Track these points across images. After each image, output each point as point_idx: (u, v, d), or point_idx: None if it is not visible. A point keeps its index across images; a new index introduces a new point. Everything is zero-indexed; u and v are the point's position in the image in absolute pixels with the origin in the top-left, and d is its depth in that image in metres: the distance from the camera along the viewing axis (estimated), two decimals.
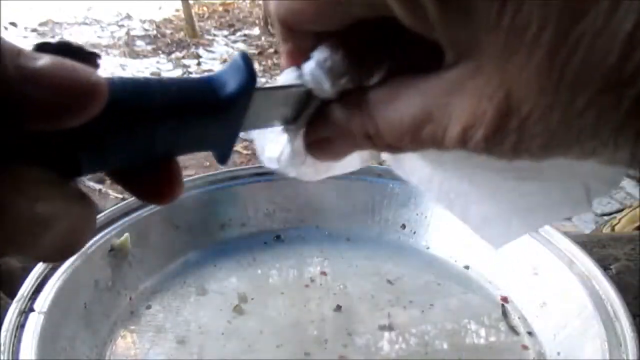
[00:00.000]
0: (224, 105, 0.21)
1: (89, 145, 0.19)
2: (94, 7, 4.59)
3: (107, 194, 1.91)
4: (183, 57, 3.83)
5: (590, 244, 0.60)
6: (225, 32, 4.38)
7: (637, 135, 0.17)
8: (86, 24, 4.41)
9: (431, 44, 0.20)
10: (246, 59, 0.22)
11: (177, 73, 3.58)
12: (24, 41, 3.95)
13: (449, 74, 0.20)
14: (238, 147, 2.73)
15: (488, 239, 0.26)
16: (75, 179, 0.20)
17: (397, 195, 0.57)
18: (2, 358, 0.36)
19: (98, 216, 0.49)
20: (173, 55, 3.86)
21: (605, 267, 0.52)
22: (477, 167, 0.22)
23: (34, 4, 4.39)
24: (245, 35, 4.34)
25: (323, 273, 0.52)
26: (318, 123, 0.24)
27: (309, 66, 0.23)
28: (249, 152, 2.69)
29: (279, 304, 0.48)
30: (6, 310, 0.39)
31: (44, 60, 0.17)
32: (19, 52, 0.17)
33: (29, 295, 0.40)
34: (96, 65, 0.21)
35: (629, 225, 1.19)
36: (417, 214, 0.56)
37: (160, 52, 3.93)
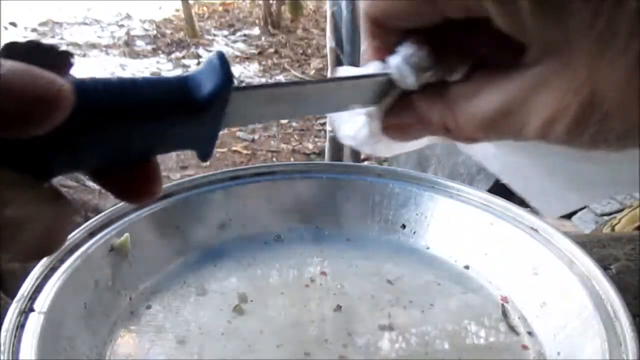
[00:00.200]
0: (200, 107, 0.21)
1: (60, 147, 0.19)
2: (94, 7, 4.59)
3: (107, 194, 1.91)
4: (183, 57, 3.83)
5: (590, 244, 0.60)
6: (225, 32, 4.38)
7: None
8: (86, 24, 4.41)
9: (511, 42, 0.21)
10: (222, 59, 0.21)
11: (177, 73, 3.57)
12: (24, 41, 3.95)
13: (533, 70, 0.21)
14: (238, 147, 2.73)
15: (545, 210, 0.28)
16: (49, 180, 0.19)
17: (397, 195, 0.57)
18: (2, 358, 0.36)
19: (98, 216, 0.49)
20: (173, 55, 3.86)
21: (605, 267, 0.52)
22: (538, 148, 0.23)
23: (34, 4, 4.39)
24: (245, 35, 4.34)
25: (323, 273, 0.52)
26: (398, 109, 0.26)
27: (395, 60, 0.25)
28: (249, 152, 2.69)
29: (279, 304, 0.48)
30: (6, 310, 0.39)
31: (5, 68, 0.16)
32: None
33: (29, 295, 0.40)
34: (68, 64, 0.21)
35: (629, 225, 1.19)
36: (417, 214, 0.56)
37: (160, 52, 3.93)
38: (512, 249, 0.51)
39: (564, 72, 0.20)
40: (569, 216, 1.59)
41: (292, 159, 2.61)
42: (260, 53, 3.99)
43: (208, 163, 2.57)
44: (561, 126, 0.21)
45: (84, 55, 3.79)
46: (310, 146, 2.77)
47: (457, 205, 0.54)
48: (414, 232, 0.56)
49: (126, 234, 0.48)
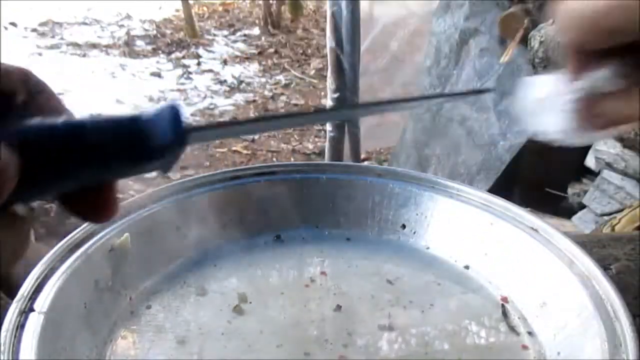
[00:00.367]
0: (152, 156, 0.22)
1: (15, 189, 0.20)
2: (94, 7, 4.58)
3: None
4: (183, 57, 3.83)
5: (590, 244, 0.60)
6: (225, 32, 4.38)
7: None
8: (86, 24, 4.41)
9: None
10: (177, 116, 0.22)
11: (177, 73, 3.57)
12: (24, 41, 3.95)
13: None
14: (238, 147, 2.73)
15: None
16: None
17: (397, 195, 0.57)
18: (2, 358, 0.36)
19: None
20: (173, 55, 3.86)
21: (605, 267, 0.52)
22: None
23: (34, 4, 4.39)
24: (245, 35, 4.34)
25: (323, 273, 0.52)
26: (598, 104, 0.30)
27: (595, 74, 0.30)
28: (249, 152, 2.69)
29: (279, 304, 0.48)
30: (6, 310, 0.39)
31: None
32: None
33: (29, 295, 0.40)
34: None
35: (629, 225, 1.19)
36: (417, 214, 0.56)
37: (160, 52, 3.93)
38: (512, 249, 0.51)
39: None
40: (569, 216, 1.59)
41: (292, 159, 2.61)
42: (260, 53, 3.99)
43: (208, 163, 2.57)
44: None
45: (84, 55, 3.79)
46: (310, 146, 2.77)
47: (457, 205, 0.54)
48: (414, 232, 0.56)
49: (126, 234, 0.48)
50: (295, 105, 3.23)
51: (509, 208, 0.52)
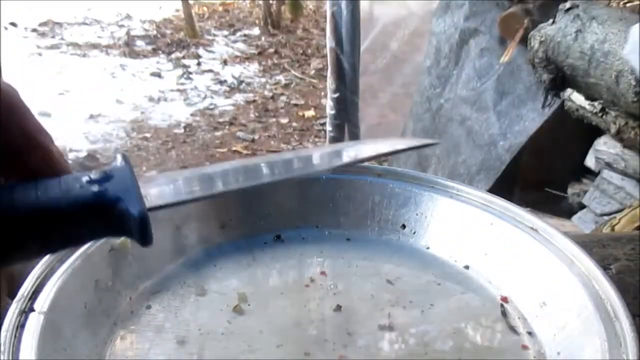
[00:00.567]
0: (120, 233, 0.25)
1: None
2: (94, 7, 4.58)
3: None
4: (183, 57, 3.83)
5: (590, 244, 0.60)
6: (225, 32, 4.38)
7: None
8: (86, 24, 4.41)
9: None
10: (144, 223, 0.24)
11: (177, 73, 3.57)
12: (24, 41, 3.95)
13: None
14: (238, 147, 2.73)
15: None
16: None
17: (397, 195, 0.57)
18: (2, 358, 0.36)
19: None
20: (173, 55, 3.86)
21: (605, 267, 0.52)
22: None
23: (34, 4, 4.38)
24: (245, 35, 4.34)
25: (323, 273, 0.52)
26: None
27: None
28: (249, 152, 2.69)
29: (279, 304, 0.48)
30: (6, 310, 0.39)
31: None
32: None
33: (29, 295, 0.40)
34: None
35: (629, 225, 1.19)
36: (417, 214, 0.56)
37: (160, 52, 3.93)
38: (512, 249, 0.51)
39: None
40: (569, 216, 1.59)
41: None
42: (260, 53, 3.99)
43: (208, 163, 2.57)
44: None
45: (84, 56, 3.79)
46: (310, 146, 2.77)
47: (457, 205, 0.54)
48: (414, 232, 0.56)
49: None
50: (296, 105, 3.23)
51: (509, 208, 0.52)
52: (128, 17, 4.56)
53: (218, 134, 2.85)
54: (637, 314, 0.43)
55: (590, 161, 1.58)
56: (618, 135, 1.40)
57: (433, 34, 2.07)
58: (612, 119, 1.39)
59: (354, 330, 0.46)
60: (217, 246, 0.54)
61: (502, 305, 0.49)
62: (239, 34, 4.36)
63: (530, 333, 0.46)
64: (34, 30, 4.20)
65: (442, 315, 0.48)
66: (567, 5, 1.41)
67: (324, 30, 2.57)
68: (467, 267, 0.53)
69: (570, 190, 1.65)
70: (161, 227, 0.51)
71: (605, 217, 1.41)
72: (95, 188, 0.23)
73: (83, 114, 2.92)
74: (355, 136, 2.27)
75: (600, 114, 1.42)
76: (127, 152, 2.60)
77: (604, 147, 1.51)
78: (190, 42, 4.06)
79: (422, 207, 0.56)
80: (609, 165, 1.49)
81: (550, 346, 0.44)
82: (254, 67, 3.75)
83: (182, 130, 2.86)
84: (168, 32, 4.30)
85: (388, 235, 0.56)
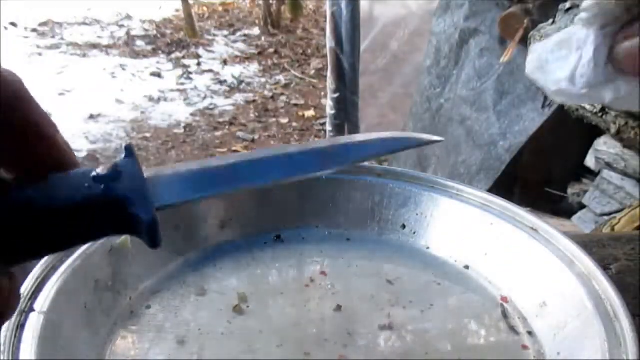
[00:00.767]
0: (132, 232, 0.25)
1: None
2: (94, 7, 4.58)
3: None
4: (183, 57, 3.83)
5: (590, 244, 0.60)
6: (225, 32, 4.38)
7: None
8: (86, 24, 4.41)
9: None
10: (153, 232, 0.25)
11: (177, 73, 3.57)
12: (24, 41, 3.95)
13: None
14: (238, 147, 2.73)
15: None
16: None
17: (397, 195, 0.57)
18: (2, 358, 0.36)
19: None
20: (173, 55, 3.86)
21: (605, 267, 0.52)
22: None
23: (34, 4, 4.38)
24: (245, 35, 4.34)
25: (323, 273, 0.52)
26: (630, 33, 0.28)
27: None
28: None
29: (279, 304, 0.48)
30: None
31: None
32: None
33: (29, 295, 0.40)
34: None
35: (629, 225, 1.19)
36: (417, 214, 0.56)
37: (160, 52, 3.92)
38: (512, 249, 0.51)
39: None
40: (569, 216, 1.59)
41: None
42: (260, 53, 3.99)
43: None
44: None
45: (84, 56, 3.79)
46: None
47: (457, 205, 0.54)
48: (414, 232, 0.56)
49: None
50: (296, 105, 3.23)
51: (509, 208, 0.52)
52: (128, 17, 4.56)
53: (218, 134, 2.85)
54: (637, 314, 0.43)
55: (590, 161, 1.58)
56: (618, 135, 1.40)
57: (433, 33, 2.07)
58: (612, 119, 1.39)
59: (354, 330, 0.45)
60: (217, 246, 0.54)
61: (502, 305, 0.49)
62: (239, 34, 4.36)
63: (530, 333, 0.46)
64: (34, 30, 4.20)
65: (442, 315, 0.48)
66: (567, 5, 1.41)
67: (324, 30, 2.57)
68: (467, 267, 0.53)
69: (570, 190, 1.65)
70: (161, 227, 0.51)
71: (605, 217, 1.41)
72: (103, 187, 0.23)
73: (83, 114, 2.92)
74: None
75: (600, 114, 1.42)
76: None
77: (604, 147, 1.51)
78: (190, 42, 4.06)
79: (422, 207, 0.56)
80: (609, 165, 1.49)
81: (550, 346, 0.44)
82: (254, 67, 3.75)
83: (182, 130, 2.86)
84: (168, 32, 4.30)
85: (388, 235, 0.56)
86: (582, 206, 1.58)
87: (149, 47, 4.00)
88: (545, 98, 1.58)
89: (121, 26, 4.38)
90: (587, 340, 0.41)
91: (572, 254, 0.46)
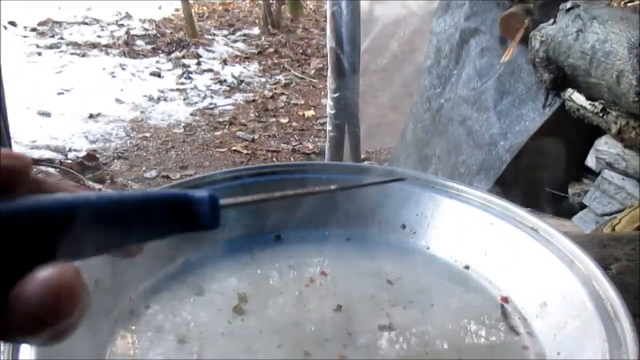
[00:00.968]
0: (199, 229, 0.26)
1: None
2: (94, 6, 4.58)
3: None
4: (183, 57, 3.83)
5: (590, 244, 0.60)
6: (225, 32, 4.38)
7: None
8: (86, 23, 4.41)
9: None
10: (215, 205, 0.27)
11: (177, 72, 3.57)
12: (23, 40, 3.95)
13: None
14: (238, 146, 2.73)
15: None
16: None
17: (397, 195, 0.57)
18: (2, 358, 0.36)
19: None
20: (173, 55, 3.86)
21: (605, 267, 0.52)
22: None
23: (34, 3, 4.39)
24: (245, 34, 4.34)
25: (323, 273, 0.52)
26: None
27: None
28: (249, 151, 2.69)
29: (279, 304, 0.48)
30: None
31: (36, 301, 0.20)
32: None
33: None
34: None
35: (629, 225, 1.19)
36: (417, 214, 0.56)
37: (160, 51, 3.92)
38: (512, 249, 0.50)
39: None
40: (569, 216, 1.59)
41: (292, 159, 2.61)
42: (260, 53, 3.99)
43: (208, 163, 2.57)
44: None
45: (84, 55, 3.79)
46: (310, 146, 2.77)
47: (457, 205, 0.54)
48: (414, 232, 0.56)
49: None
50: (295, 104, 3.23)
51: (509, 208, 0.52)
52: (128, 16, 4.56)
53: (218, 133, 2.85)
54: (637, 314, 0.43)
55: (590, 161, 1.58)
56: (619, 135, 1.40)
57: (433, 33, 2.07)
58: (613, 119, 1.39)
59: (354, 330, 0.45)
60: (217, 246, 0.54)
61: (502, 306, 0.49)
62: (238, 33, 4.36)
63: (530, 333, 0.46)
64: (34, 29, 4.20)
65: (442, 315, 0.48)
66: (568, 5, 1.41)
67: (324, 29, 2.57)
68: (467, 267, 0.53)
69: (570, 190, 1.65)
70: None
71: (606, 217, 1.41)
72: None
73: (83, 114, 2.92)
74: (355, 136, 2.27)
75: (601, 114, 1.42)
76: (126, 152, 2.61)
77: (605, 147, 1.51)
78: (190, 42, 4.06)
79: (422, 207, 0.56)
80: (609, 165, 1.49)
81: (550, 346, 0.44)
82: (253, 66, 3.75)
83: (181, 130, 2.86)
84: (168, 31, 4.30)
85: (388, 235, 0.56)
86: (583, 206, 1.58)
87: (149, 47, 4.00)
88: (546, 98, 1.57)
89: (121, 25, 4.38)
90: (587, 340, 0.41)
91: (572, 254, 0.46)
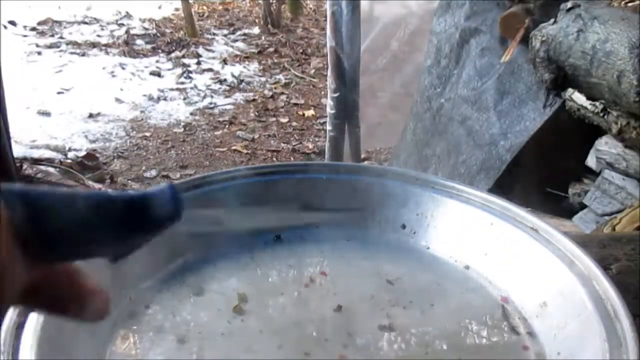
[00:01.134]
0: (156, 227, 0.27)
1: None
2: (94, 6, 4.58)
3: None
4: (183, 56, 3.83)
5: (590, 244, 0.60)
6: (225, 31, 4.38)
7: None
8: (86, 22, 4.40)
9: None
10: (174, 193, 0.27)
11: (177, 72, 3.57)
12: (23, 40, 3.95)
13: None
14: (238, 146, 2.73)
15: None
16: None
17: (397, 195, 0.56)
18: (2, 358, 0.36)
19: None
20: (173, 54, 3.86)
21: (605, 267, 0.52)
22: None
23: (34, 3, 4.39)
24: (245, 34, 4.34)
25: (323, 273, 0.52)
26: None
27: None
28: (249, 151, 2.69)
29: (279, 304, 0.48)
30: (6, 310, 0.39)
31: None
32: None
33: None
34: None
35: (629, 225, 1.19)
36: (417, 214, 0.56)
37: (159, 51, 3.92)
38: (512, 249, 0.50)
39: None
40: (569, 216, 1.59)
41: (292, 159, 2.61)
42: (260, 52, 3.99)
43: (207, 163, 2.57)
44: None
45: (84, 55, 3.79)
46: (310, 146, 2.77)
47: (457, 205, 0.54)
48: (414, 232, 0.56)
49: None
50: (295, 104, 3.23)
51: (509, 208, 0.52)
52: (128, 15, 4.55)
53: (218, 133, 2.85)
54: (637, 314, 0.43)
55: (591, 161, 1.58)
56: (619, 135, 1.40)
57: (433, 33, 2.07)
58: (614, 119, 1.39)
59: (354, 330, 0.45)
60: (217, 246, 0.54)
61: (502, 306, 0.49)
62: (238, 33, 4.36)
63: (530, 333, 0.46)
64: (33, 29, 4.20)
65: (442, 315, 0.48)
66: (569, 4, 1.41)
67: (324, 29, 2.57)
68: (467, 267, 0.53)
69: (571, 190, 1.65)
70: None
71: (607, 217, 1.41)
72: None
73: (82, 113, 2.91)
74: (355, 136, 2.27)
75: (601, 114, 1.42)
76: (126, 151, 2.61)
77: (605, 147, 1.50)
78: (190, 41, 4.06)
79: (422, 207, 0.56)
80: (610, 165, 1.49)
81: (550, 346, 0.44)
82: (253, 66, 3.75)
83: (181, 130, 2.86)
84: (168, 31, 4.30)
85: (388, 235, 0.56)
86: (583, 206, 1.57)
87: (149, 46, 4.00)
88: (547, 98, 1.57)
89: (121, 25, 4.38)
90: (587, 340, 0.41)
91: (572, 254, 0.46)
